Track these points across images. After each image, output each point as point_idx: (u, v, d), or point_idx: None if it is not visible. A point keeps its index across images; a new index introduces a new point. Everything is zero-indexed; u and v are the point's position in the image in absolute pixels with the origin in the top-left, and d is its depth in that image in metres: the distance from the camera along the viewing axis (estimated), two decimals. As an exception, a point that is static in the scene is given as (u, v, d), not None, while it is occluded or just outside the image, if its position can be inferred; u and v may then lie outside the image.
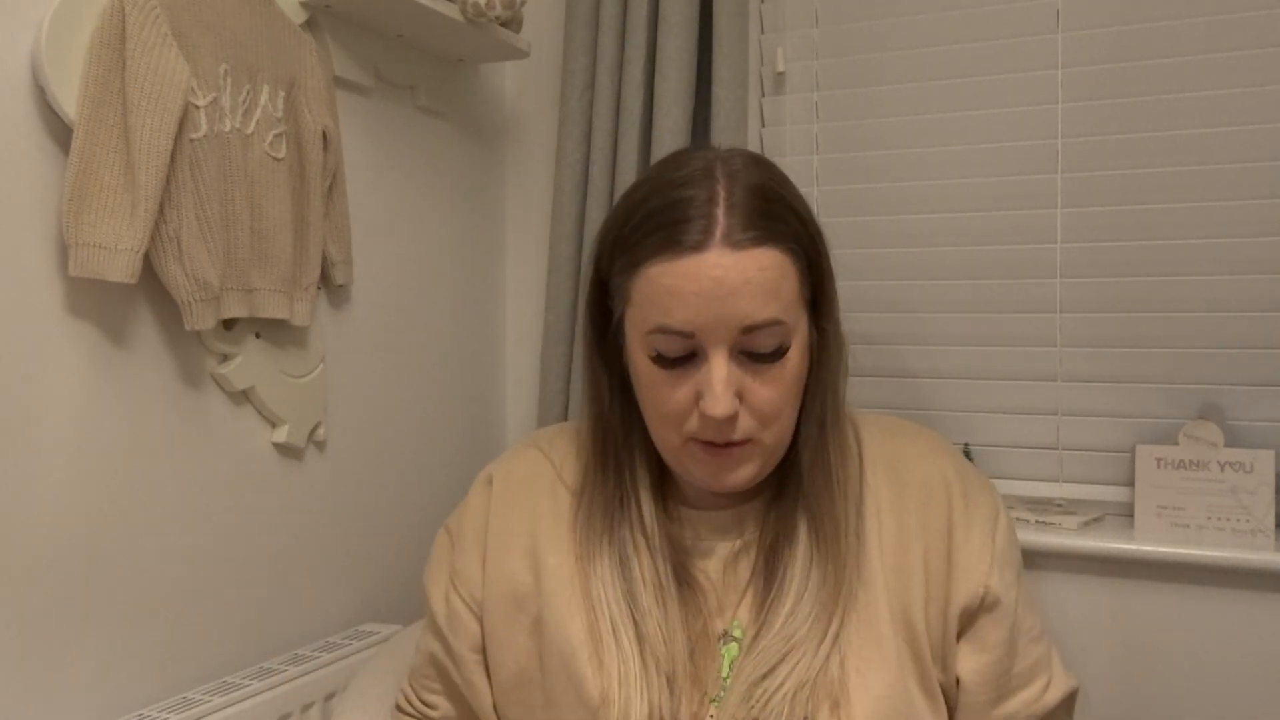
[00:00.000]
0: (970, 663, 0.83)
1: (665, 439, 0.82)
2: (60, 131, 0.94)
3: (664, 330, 0.77)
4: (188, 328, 1.01)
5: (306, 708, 1.10)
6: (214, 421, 1.11)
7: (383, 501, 1.37)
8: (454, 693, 0.92)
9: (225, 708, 1.01)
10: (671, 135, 1.37)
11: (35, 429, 0.93)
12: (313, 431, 1.22)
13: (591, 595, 0.83)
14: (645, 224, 0.78)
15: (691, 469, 0.81)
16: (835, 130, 1.47)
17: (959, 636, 0.84)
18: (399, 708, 0.97)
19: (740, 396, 0.77)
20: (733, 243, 0.75)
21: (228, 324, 1.10)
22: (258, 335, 1.14)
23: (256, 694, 1.05)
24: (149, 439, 1.03)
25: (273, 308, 1.12)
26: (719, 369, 0.76)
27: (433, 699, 0.94)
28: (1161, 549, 1.21)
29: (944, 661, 0.83)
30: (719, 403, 0.75)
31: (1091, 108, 1.32)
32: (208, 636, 1.10)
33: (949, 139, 1.39)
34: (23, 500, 0.92)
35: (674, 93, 1.37)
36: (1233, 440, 1.22)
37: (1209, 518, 1.20)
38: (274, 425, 1.18)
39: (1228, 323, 1.26)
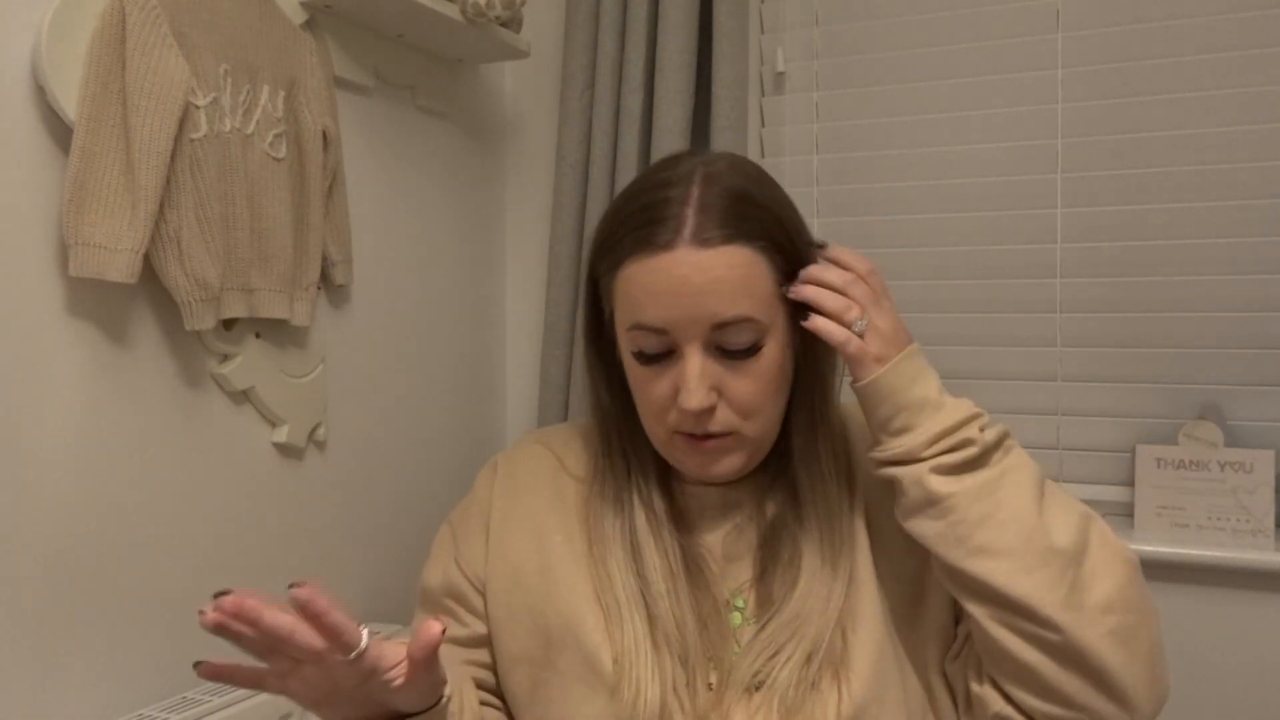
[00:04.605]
0: None
1: (654, 432, 0.86)
2: (60, 131, 0.94)
3: (640, 327, 0.81)
4: (188, 328, 1.01)
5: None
6: (214, 421, 1.11)
7: (383, 501, 1.37)
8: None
9: (225, 708, 1.01)
10: (671, 135, 1.37)
11: (36, 429, 0.92)
12: (313, 431, 1.22)
13: (600, 574, 0.86)
14: (623, 226, 0.82)
15: (679, 460, 0.85)
16: (835, 130, 1.47)
17: None
18: None
19: (719, 390, 0.80)
20: (701, 241, 0.78)
21: (228, 324, 1.10)
22: (258, 335, 1.14)
23: (256, 694, 1.04)
24: (149, 439, 1.03)
25: (273, 308, 1.12)
26: (693, 364, 0.79)
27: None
28: (1161, 549, 1.21)
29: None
30: (692, 396, 0.79)
31: (1091, 108, 1.32)
32: (208, 636, 1.09)
33: (949, 139, 1.39)
34: (23, 500, 0.91)
35: (674, 93, 1.37)
36: (1233, 440, 1.22)
37: (1209, 518, 1.21)
38: (274, 425, 1.18)
39: (1228, 323, 1.26)
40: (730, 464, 0.84)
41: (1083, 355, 1.34)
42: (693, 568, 0.85)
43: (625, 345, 0.84)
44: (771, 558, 0.85)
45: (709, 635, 0.83)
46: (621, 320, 0.83)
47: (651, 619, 0.83)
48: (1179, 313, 1.29)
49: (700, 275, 0.78)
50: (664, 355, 0.81)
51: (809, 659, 0.80)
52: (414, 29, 1.31)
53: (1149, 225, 1.30)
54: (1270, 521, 1.18)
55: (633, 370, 0.85)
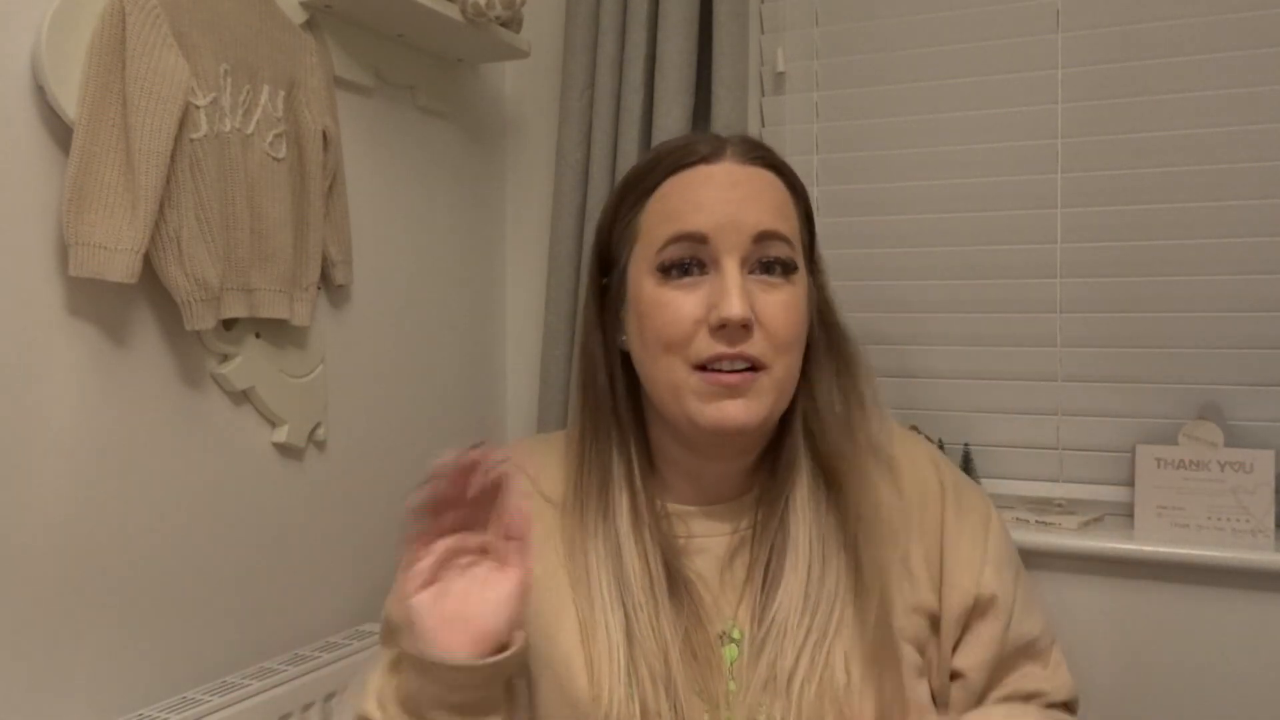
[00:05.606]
0: (968, 659, 0.83)
1: (670, 373, 0.78)
2: (60, 131, 0.94)
3: (678, 238, 0.78)
4: (188, 328, 1.01)
5: (306, 708, 1.10)
6: (214, 421, 1.11)
7: (383, 501, 1.36)
8: None
9: (225, 708, 1.01)
10: (671, 135, 1.37)
11: (35, 429, 0.93)
12: (313, 431, 1.22)
13: (579, 591, 0.80)
14: (653, 164, 0.83)
15: (695, 407, 0.77)
16: (835, 130, 1.47)
17: (957, 642, 0.84)
18: None
19: (754, 313, 0.77)
20: (743, 159, 0.81)
21: (228, 324, 1.10)
22: (258, 335, 1.14)
23: (256, 694, 1.05)
24: (149, 439, 1.03)
25: (273, 308, 1.12)
26: (732, 274, 0.77)
27: None
28: (1161, 549, 1.21)
29: (936, 666, 0.83)
30: (735, 303, 0.75)
31: (1091, 108, 1.32)
32: (208, 636, 1.10)
33: (949, 139, 1.39)
34: (22, 500, 0.92)
35: (674, 93, 1.37)
36: (1233, 440, 1.22)
37: (1209, 518, 1.20)
38: (274, 425, 1.18)
39: (1228, 323, 1.26)
40: (752, 408, 0.77)
41: (1083, 355, 1.34)
42: (677, 590, 0.80)
43: (649, 275, 0.79)
44: (770, 582, 0.80)
45: (698, 666, 0.77)
46: (649, 247, 0.80)
47: (629, 634, 0.77)
48: (1179, 313, 1.29)
49: (747, 183, 0.79)
50: (695, 271, 0.78)
51: (812, 698, 0.76)
52: (414, 29, 1.31)
53: (1149, 225, 1.30)
54: (1270, 521, 1.18)
55: (655, 300, 0.79)
